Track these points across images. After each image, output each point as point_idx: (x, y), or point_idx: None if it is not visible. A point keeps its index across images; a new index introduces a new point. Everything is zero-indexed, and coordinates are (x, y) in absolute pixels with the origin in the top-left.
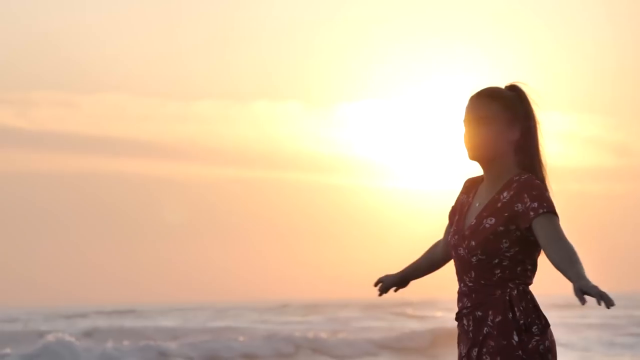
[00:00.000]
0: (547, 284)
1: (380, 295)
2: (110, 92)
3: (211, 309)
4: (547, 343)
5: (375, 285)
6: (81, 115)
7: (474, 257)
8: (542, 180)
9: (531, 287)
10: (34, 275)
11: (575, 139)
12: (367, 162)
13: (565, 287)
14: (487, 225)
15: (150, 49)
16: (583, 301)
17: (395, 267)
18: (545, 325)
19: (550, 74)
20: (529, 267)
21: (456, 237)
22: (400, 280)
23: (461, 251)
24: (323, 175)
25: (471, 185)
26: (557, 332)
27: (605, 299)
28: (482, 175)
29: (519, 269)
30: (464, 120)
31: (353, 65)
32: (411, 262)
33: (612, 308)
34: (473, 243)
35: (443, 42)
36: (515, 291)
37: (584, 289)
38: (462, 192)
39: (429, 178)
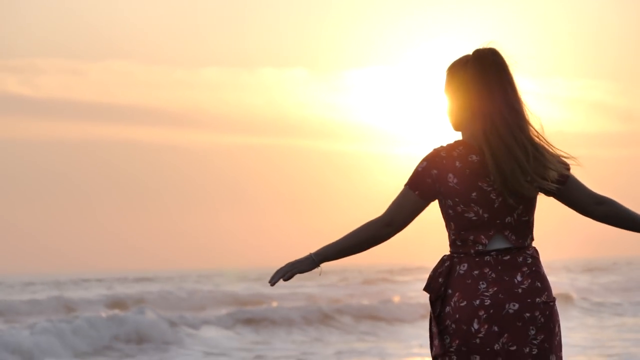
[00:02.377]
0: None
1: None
2: (116, 59)
3: (230, 275)
4: (447, 309)
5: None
6: (88, 83)
7: None
8: (439, 149)
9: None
10: (38, 242)
11: (580, 104)
12: (373, 128)
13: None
14: None
15: (156, 16)
16: None
17: (400, 233)
18: (427, 289)
19: (555, 39)
20: (452, 237)
21: None
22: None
23: None
24: (329, 142)
25: None
26: None
27: None
28: None
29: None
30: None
31: (359, 32)
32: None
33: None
34: None
35: (449, 8)
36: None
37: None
38: None
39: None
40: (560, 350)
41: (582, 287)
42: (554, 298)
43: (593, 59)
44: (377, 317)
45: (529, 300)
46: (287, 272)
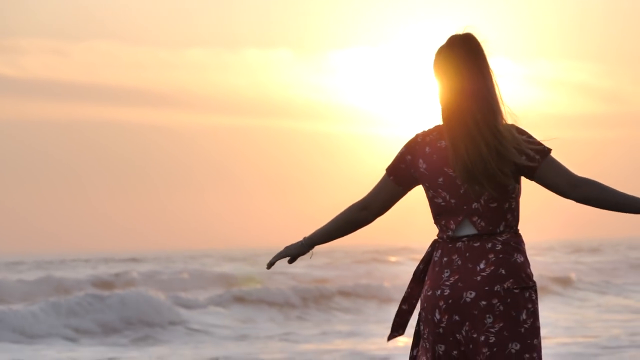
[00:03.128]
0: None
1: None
2: (101, 40)
3: (217, 256)
4: (421, 297)
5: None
6: (72, 63)
7: None
8: (418, 134)
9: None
10: (24, 222)
11: (564, 86)
12: (358, 109)
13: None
14: None
15: None
16: None
17: (384, 215)
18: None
19: (539, 21)
20: (434, 222)
21: None
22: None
23: None
24: (314, 123)
25: None
26: None
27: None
28: None
29: None
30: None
31: (344, 13)
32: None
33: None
34: None
35: None
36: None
37: None
38: None
39: (419, 125)
40: (533, 338)
41: (567, 268)
42: (529, 284)
43: (577, 41)
44: (364, 297)
45: (486, 288)
46: (280, 256)
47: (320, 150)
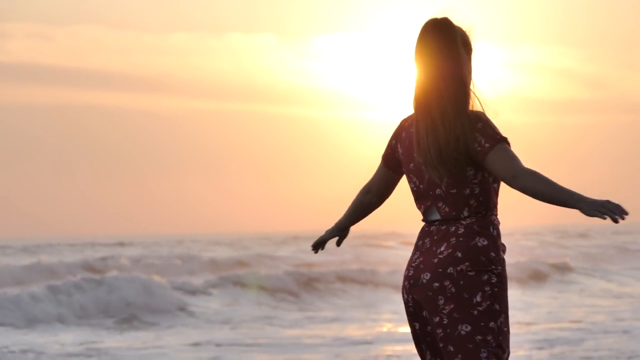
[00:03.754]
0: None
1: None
2: (85, 24)
3: (203, 241)
4: None
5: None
6: (56, 48)
7: None
8: (404, 119)
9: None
10: (8, 206)
11: (548, 71)
12: (343, 94)
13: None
14: None
15: None
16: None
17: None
18: None
19: (523, 5)
20: None
21: None
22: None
23: None
24: (297, 108)
25: None
26: None
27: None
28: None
29: None
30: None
31: None
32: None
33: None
34: None
35: None
36: None
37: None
38: None
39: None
40: (488, 320)
41: (554, 254)
42: (488, 268)
43: (561, 26)
44: (355, 281)
45: (440, 270)
46: (319, 240)
47: (304, 135)
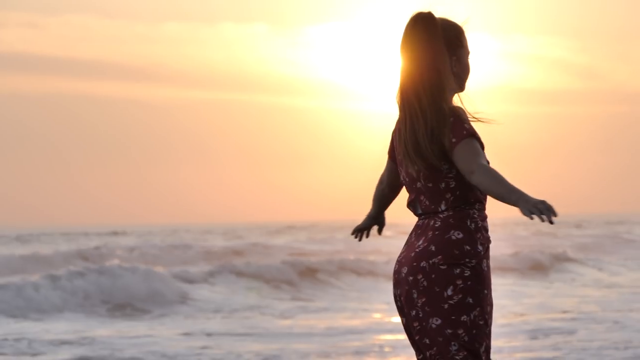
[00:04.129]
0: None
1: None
2: (76, 14)
3: (193, 231)
4: None
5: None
6: (48, 37)
7: None
8: None
9: None
10: (0, 195)
11: (540, 61)
12: (334, 84)
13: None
14: None
15: None
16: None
17: (360, 189)
18: None
19: None
20: None
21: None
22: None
23: None
24: (289, 97)
25: None
26: None
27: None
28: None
29: None
30: (466, 53)
31: None
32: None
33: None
34: None
35: None
36: None
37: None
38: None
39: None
40: (460, 314)
41: (551, 244)
42: (461, 261)
43: (554, 16)
44: (352, 271)
45: (414, 264)
46: (357, 228)
47: (296, 125)
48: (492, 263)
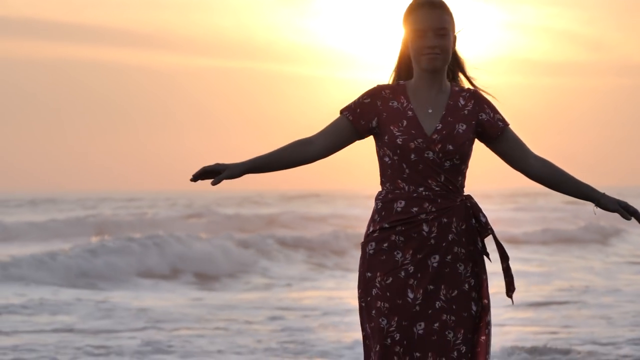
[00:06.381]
0: None
1: (215, 184)
2: None
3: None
4: None
5: (200, 176)
6: (55, 2)
7: (448, 162)
8: None
9: None
10: (2, 160)
11: (547, 32)
12: (341, 52)
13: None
14: (460, 131)
15: None
16: (629, 217)
17: (365, 157)
18: (492, 229)
19: None
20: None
21: (419, 140)
22: (243, 172)
23: (430, 155)
24: (297, 66)
25: (394, 92)
26: None
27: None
28: (398, 83)
29: (465, 176)
30: (421, 30)
31: None
32: (265, 154)
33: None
34: (450, 147)
35: None
36: (473, 199)
37: (622, 204)
38: (383, 98)
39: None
40: (358, 288)
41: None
42: (365, 240)
43: None
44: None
45: None
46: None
47: (303, 93)
48: None
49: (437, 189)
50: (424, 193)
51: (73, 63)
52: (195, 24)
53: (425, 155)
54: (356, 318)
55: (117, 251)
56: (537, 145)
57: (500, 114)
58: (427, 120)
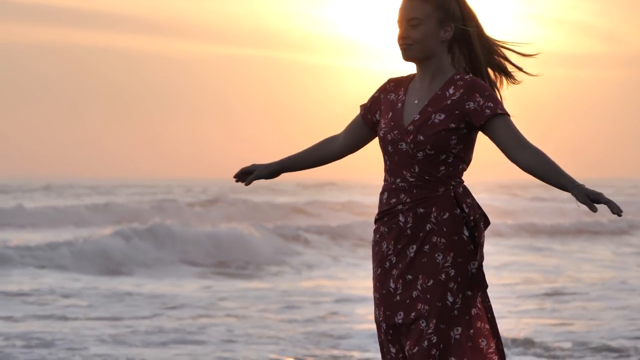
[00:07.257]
0: None
1: (247, 184)
2: None
3: (222, 184)
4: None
5: (239, 177)
6: None
7: (421, 152)
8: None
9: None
10: (16, 147)
11: (562, 24)
12: (354, 41)
13: None
14: (436, 121)
15: None
16: (595, 209)
17: (379, 147)
18: (487, 220)
19: None
20: (466, 165)
21: (395, 132)
22: (273, 173)
23: (403, 146)
24: (310, 55)
25: (398, 85)
26: None
27: (613, 206)
28: (409, 75)
29: (460, 166)
30: (397, 22)
31: None
32: (294, 154)
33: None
34: (421, 137)
35: None
36: (461, 188)
37: (591, 196)
38: (386, 91)
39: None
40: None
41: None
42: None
43: None
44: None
45: None
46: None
47: (316, 82)
48: None
49: (411, 179)
50: (400, 184)
51: (88, 50)
52: (210, 12)
53: (399, 146)
54: None
55: (135, 237)
56: (551, 135)
57: (493, 103)
58: (410, 111)
